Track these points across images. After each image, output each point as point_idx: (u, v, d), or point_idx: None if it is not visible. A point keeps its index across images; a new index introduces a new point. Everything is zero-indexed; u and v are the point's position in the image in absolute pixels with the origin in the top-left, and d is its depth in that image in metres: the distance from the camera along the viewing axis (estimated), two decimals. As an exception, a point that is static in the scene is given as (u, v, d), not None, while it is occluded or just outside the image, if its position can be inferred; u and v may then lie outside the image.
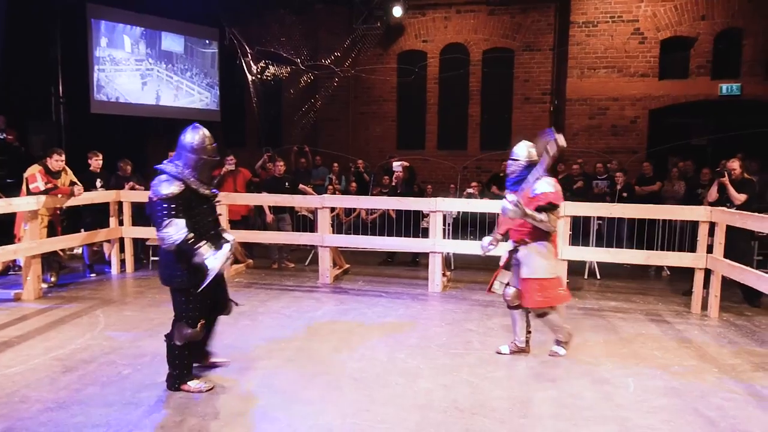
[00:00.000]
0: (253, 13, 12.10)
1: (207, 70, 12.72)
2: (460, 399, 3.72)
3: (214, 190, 3.80)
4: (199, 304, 3.65)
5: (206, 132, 3.62)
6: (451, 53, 12.63)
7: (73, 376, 4.00)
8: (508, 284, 4.48)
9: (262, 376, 4.05)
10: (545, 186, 4.16)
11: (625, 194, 8.16)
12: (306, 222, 8.52)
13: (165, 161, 3.70)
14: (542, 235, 4.23)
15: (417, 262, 8.18)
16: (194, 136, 3.57)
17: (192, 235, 3.48)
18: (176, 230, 3.43)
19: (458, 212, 8.18)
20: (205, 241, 3.56)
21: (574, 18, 11.75)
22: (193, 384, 3.73)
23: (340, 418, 3.44)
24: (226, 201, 7.14)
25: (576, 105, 11.85)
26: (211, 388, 3.76)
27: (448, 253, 7.26)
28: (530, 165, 4.23)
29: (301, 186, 8.22)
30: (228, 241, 3.75)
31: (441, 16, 12.61)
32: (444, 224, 7.21)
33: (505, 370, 4.22)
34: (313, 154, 10.95)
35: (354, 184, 9.94)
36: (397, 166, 8.88)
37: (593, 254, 6.75)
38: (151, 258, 7.72)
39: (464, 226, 8.00)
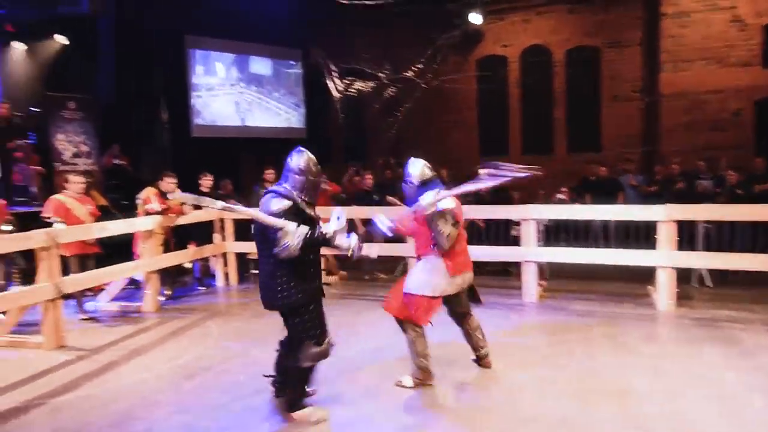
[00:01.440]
0: (335, 32, 12.52)
1: (292, 89, 13.29)
2: (569, 414, 3.62)
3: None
4: (317, 320, 3.55)
5: (311, 155, 3.62)
6: (532, 56, 12.41)
7: (195, 382, 4.32)
8: None
9: (366, 385, 4.17)
10: (447, 203, 3.92)
11: (739, 192, 7.60)
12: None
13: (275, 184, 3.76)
14: (432, 250, 4.00)
15: (508, 271, 8.04)
16: (300, 158, 3.55)
17: (308, 228, 3.33)
18: (291, 235, 3.29)
19: (549, 219, 7.98)
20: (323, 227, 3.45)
21: (665, 10, 11.18)
22: (305, 411, 3.62)
23: (447, 428, 3.47)
24: (320, 216, 7.42)
25: (671, 100, 11.24)
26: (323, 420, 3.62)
27: (541, 262, 7.09)
28: (424, 184, 3.98)
29: (389, 198, 8.37)
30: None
31: (520, 20, 12.44)
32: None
33: (615, 385, 4.06)
34: (398, 165, 11.09)
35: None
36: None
37: (702, 260, 6.33)
38: (252, 271, 8.15)
39: (557, 233, 7.78)
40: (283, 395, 3.69)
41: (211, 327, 5.85)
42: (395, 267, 8.28)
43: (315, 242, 3.39)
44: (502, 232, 7.75)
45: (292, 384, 3.63)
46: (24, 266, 6.45)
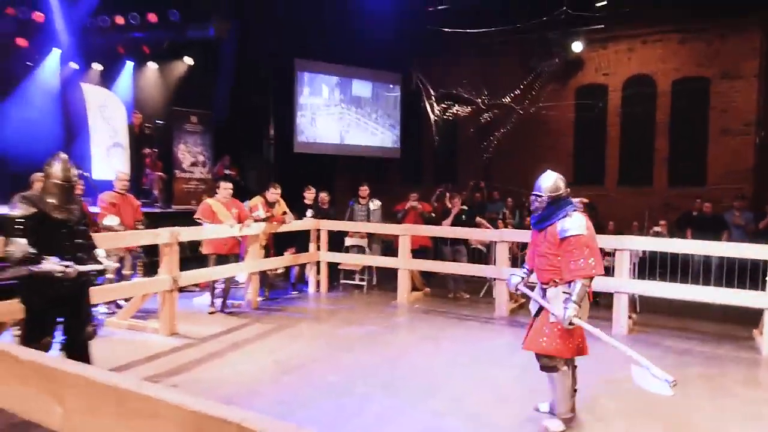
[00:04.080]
0: (435, 58, 12.88)
1: (390, 111, 13.77)
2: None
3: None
4: (36, 322, 3.67)
5: (65, 160, 3.76)
6: (635, 85, 12.04)
7: (290, 377, 4.64)
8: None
9: (450, 397, 4.27)
10: (576, 225, 3.55)
11: None
12: (476, 254, 8.68)
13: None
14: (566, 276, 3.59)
15: (597, 301, 7.79)
16: (53, 163, 3.70)
17: (33, 251, 3.48)
18: (16, 247, 3.47)
19: (644, 252, 7.68)
20: (51, 258, 3.52)
21: (787, 39, 10.48)
22: None
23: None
24: (408, 232, 7.68)
25: (789, 136, 10.45)
26: None
27: (633, 295, 6.85)
28: (555, 200, 3.68)
29: (478, 219, 8.44)
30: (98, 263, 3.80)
31: (624, 48, 12.12)
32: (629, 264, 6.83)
33: (709, 424, 3.90)
34: (489, 189, 11.14)
35: (529, 219, 9.89)
36: (575, 202, 8.65)
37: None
38: (341, 281, 8.51)
39: (653, 267, 7.47)
40: None
41: (302, 328, 6.22)
42: (480, 288, 8.32)
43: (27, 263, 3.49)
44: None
45: None
46: (146, 260, 7.17)
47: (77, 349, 3.84)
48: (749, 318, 6.03)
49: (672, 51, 11.67)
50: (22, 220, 3.53)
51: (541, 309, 3.79)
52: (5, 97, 10.57)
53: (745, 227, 8.98)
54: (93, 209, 6.84)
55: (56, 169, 3.70)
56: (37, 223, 3.56)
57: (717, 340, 6.05)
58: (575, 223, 3.61)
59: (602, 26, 11.39)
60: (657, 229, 8.50)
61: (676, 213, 10.32)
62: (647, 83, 11.89)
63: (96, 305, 6.30)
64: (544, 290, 3.80)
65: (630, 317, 6.42)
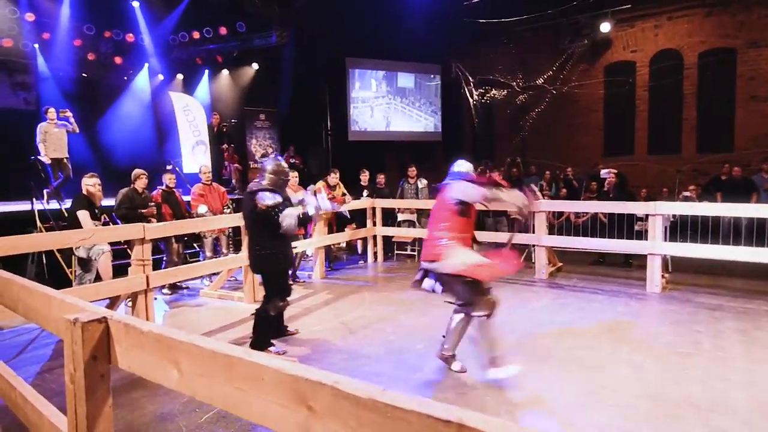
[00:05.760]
0: (472, 47, 12.48)
1: (431, 99, 13.53)
2: (695, 396, 3.38)
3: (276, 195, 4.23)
4: (285, 283, 4.34)
5: (281, 161, 4.29)
6: (662, 60, 11.27)
7: (356, 336, 4.71)
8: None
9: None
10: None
11: None
12: (516, 223, 8.46)
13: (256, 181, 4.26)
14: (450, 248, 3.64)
15: (630, 263, 7.50)
16: (276, 164, 4.21)
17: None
18: (290, 219, 3.96)
19: (675, 215, 7.27)
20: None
21: (816, 5, 9.48)
22: (272, 349, 4.27)
23: (572, 398, 3.43)
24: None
25: (818, 99, 9.53)
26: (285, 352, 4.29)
27: (665, 256, 6.53)
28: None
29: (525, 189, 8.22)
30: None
31: (651, 26, 11.34)
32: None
33: (744, 375, 3.69)
34: (526, 164, 10.81)
35: (564, 190, 9.56)
36: (605, 173, 8.29)
37: None
38: (395, 252, 8.54)
39: (683, 229, 7.07)
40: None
41: (365, 294, 6.28)
42: (520, 254, 8.12)
43: (305, 219, 4.12)
44: (625, 227, 7.24)
45: (257, 328, 4.27)
46: (233, 238, 7.42)
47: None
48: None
49: (698, 25, 10.82)
50: (277, 204, 4.03)
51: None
52: (107, 107, 11.10)
53: (774, 189, 8.33)
54: (185, 198, 7.12)
55: (282, 166, 4.22)
56: (282, 207, 4.06)
57: (747, 295, 5.70)
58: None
59: (629, 6, 10.69)
60: (686, 193, 8.01)
61: (704, 178, 9.69)
62: (674, 57, 11.11)
63: (199, 278, 6.67)
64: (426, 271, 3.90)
65: (663, 276, 6.13)
